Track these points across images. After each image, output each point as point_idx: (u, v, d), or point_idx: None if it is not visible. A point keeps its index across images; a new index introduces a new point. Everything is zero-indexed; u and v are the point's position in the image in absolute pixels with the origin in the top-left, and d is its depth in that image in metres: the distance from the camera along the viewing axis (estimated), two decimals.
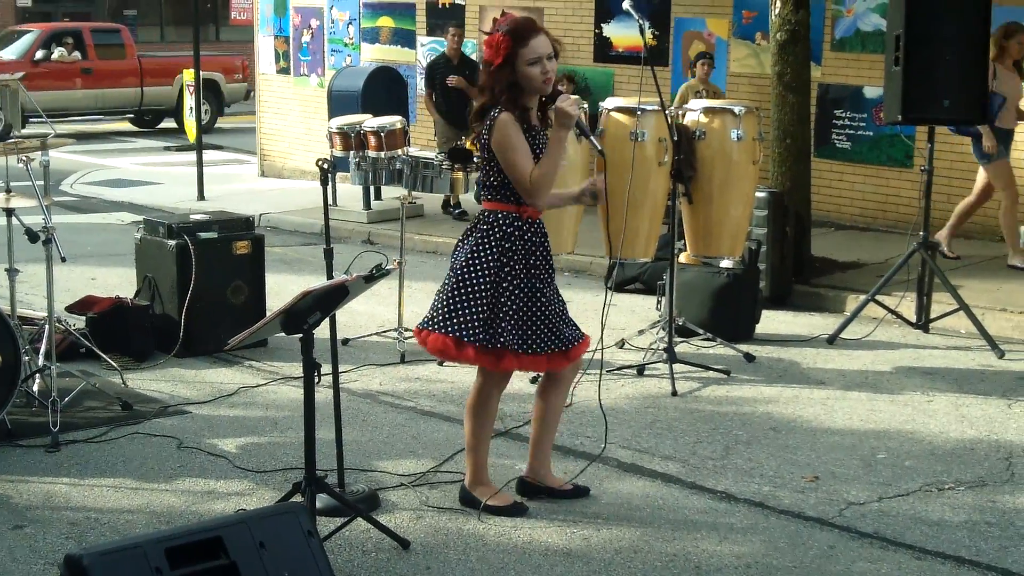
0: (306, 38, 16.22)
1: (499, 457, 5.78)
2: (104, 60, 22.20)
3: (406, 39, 15.21)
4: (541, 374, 6.87)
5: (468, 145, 7.95)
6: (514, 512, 5.23)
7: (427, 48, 14.94)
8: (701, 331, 7.93)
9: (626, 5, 7.02)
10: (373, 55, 15.43)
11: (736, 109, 7.76)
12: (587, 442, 6.16)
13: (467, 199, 11.91)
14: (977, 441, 6.25)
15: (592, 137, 5.00)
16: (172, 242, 7.73)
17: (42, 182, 6.61)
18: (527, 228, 5.07)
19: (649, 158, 7.49)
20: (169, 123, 23.12)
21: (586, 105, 7.76)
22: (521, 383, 6.80)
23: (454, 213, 12.68)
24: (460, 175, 7.91)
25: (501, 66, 4.92)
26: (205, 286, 7.68)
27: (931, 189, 8.36)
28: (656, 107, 7.43)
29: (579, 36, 13.29)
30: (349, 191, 12.91)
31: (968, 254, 10.41)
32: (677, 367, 7.22)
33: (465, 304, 5.03)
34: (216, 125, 22.94)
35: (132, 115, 23.20)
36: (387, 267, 4.84)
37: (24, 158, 6.58)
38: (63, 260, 6.45)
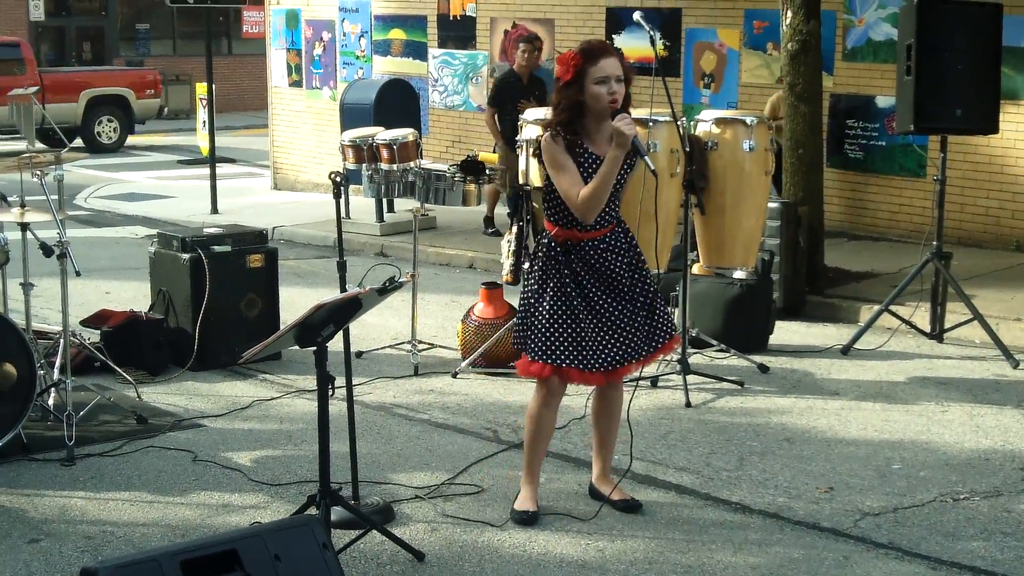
0: (318, 51, 16.27)
1: (514, 468, 5.79)
2: (3, 76, 20.36)
3: (418, 51, 15.25)
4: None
5: (481, 157, 7.96)
6: (517, 518, 5.27)
7: (439, 60, 14.96)
8: (714, 342, 7.93)
9: (637, 16, 7.03)
10: (385, 68, 15.46)
11: (748, 120, 7.76)
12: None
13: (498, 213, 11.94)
14: (992, 451, 6.24)
15: (647, 157, 5.01)
16: (186, 256, 7.75)
17: (56, 196, 6.64)
18: (567, 250, 5.12)
19: (661, 169, 7.47)
20: (78, 142, 22.27)
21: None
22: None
23: (488, 231, 12.37)
24: (473, 187, 7.91)
25: (569, 83, 5.02)
26: (219, 299, 7.70)
27: (944, 199, 8.35)
28: (668, 118, 7.43)
29: None
30: (362, 204, 12.93)
31: (981, 264, 10.39)
32: (691, 378, 7.21)
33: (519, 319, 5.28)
34: (127, 143, 22.36)
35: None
36: (400, 279, 4.86)
37: (38, 172, 6.61)
38: (78, 274, 6.47)
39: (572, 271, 5.12)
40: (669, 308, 5.43)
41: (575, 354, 5.09)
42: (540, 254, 5.20)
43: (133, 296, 9.37)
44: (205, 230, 8.30)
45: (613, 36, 13.28)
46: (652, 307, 5.24)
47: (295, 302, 8.63)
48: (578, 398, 6.95)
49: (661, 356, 5.46)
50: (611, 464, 5.55)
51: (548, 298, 5.12)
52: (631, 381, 7.29)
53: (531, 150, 6.99)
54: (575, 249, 5.13)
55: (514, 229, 7.42)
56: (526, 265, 5.42)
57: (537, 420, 5.30)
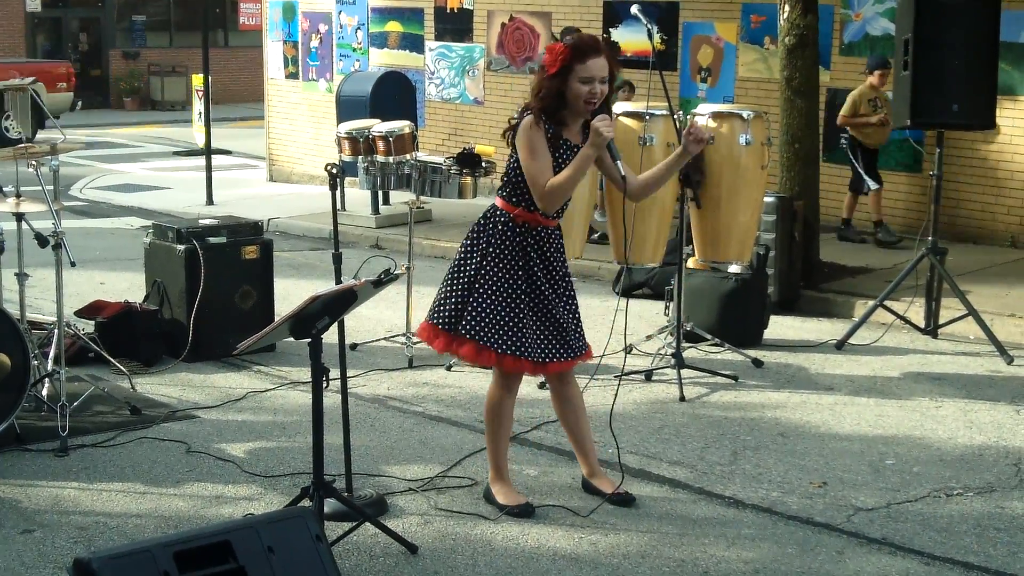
0: (315, 43, 16.25)
1: (509, 462, 5.78)
2: None
3: (414, 44, 15.23)
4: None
5: (477, 149, 7.95)
6: (520, 512, 5.25)
7: (435, 52, 14.94)
8: (709, 336, 7.93)
9: (634, 10, 7.02)
10: (381, 60, 15.45)
11: (744, 114, 7.76)
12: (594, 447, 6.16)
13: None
14: (986, 447, 6.24)
15: (619, 162, 5.03)
16: (181, 247, 7.74)
17: (52, 187, 6.63)
18: (522, 233, 5.14)
19: (657, 163, 7.47)
20: None
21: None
22: (528, 387, 6.79)
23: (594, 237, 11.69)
24: (469, 180, 7.90)
25: (554, 76, 5.02)
26: (214, 291, 7.69)
27: (940, 194, 8.35)
28: (664, 112, 7.43)
29: None
30: (358, 196, 12.92)
31: (977, 259, 10.39)
32: (685, 372, 7.21)
33: (445, 291, 5.28)
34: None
35: None
36: (395, 272, 4.85)
37: (34, 163, 6.60)
38: (72, 265, 6.47)
39: (525, 255, 5.13)
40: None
41: (513, 340, 5.10)
42: (489, 229, 5.17)
43: (128, 287, 9.35)
44: (200, 221, 8.29)
45: (610, 29, 13.28)
46: (578, 312, 5.33)
47: (290, 294, 8.63)
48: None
49: (580, 362, 5.42)
50: (596, 457, 5.54)
51: (491, 276, 5.12)
52: (624, 376, 7.32)
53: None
54: (532, 232, 5.15)
55: None
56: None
57: (499, 409, 5.31)
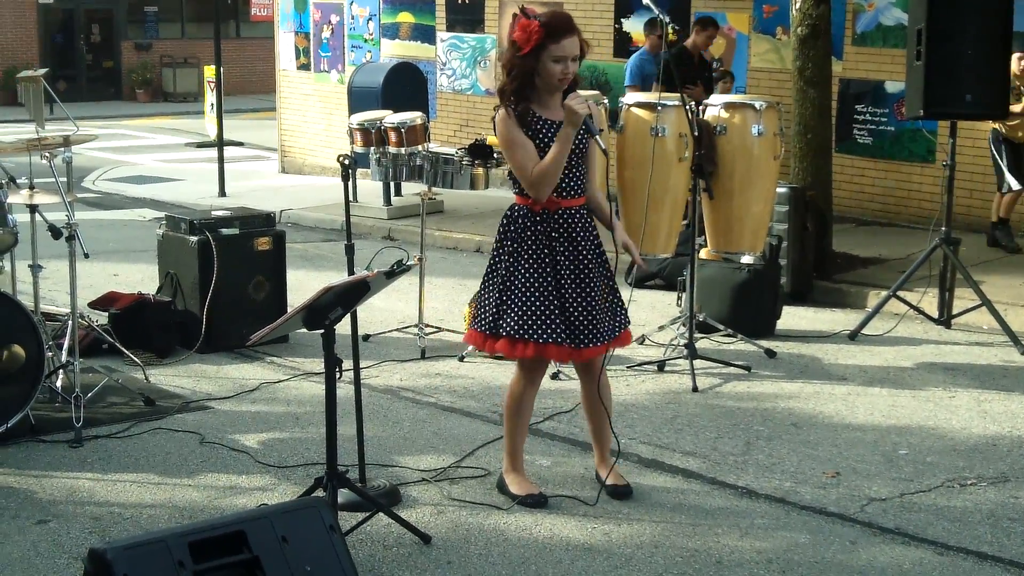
0: (326, 34, 16.25)
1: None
2: None
3: (426, 35, 15.23)
4: (559, 369, 6.95)
5: (489, 140, 7.95)
6: (533, 503, 5.26)
7: (447, 43, 14.93)
8: (722, 327, 7.93)
9: (646, 0, 7.01)
10: (393, 51, 15.45)
11: (757, 104, 7.74)
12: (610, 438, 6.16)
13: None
14: (999, 437, 6.23)
15: (597, 136, 5.01)
16: (194, 238, 7.75)
17: (65, 179, 6.64)
18: (544, 220, 5.11)
19: (669, 153, 7.49)
20: None
21: (606, 100, 7.77)
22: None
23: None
24: (481, 171, 7.89)
25: (527, 55, 4.97)
26: (227, 282, 7.71)
27: (953, 184, 8.33)
28: (676, 103, 7.42)
29: (599, 31, 13.27)
30: (370, 187, 12.93)
31: (990, 250, 10.37)
32: (698, 363, 7.21)
33: (483, 296, 5.24)
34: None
35: None
36: (408, 263, 4.85)
37: (47, 155, 6.62)
38: (86, 256, 6.49)
39: (550, 240, 5.09)
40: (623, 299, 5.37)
41: (551, 329, 5.07)
42: (512, 228, 5.16)
43: (141, 278, 9.38)
44: (213, 213, 8.30)
45: (622, 19, 13.25)
46: (615, 292, 5.27)
47: (303, 285, 8.64)
48: None
49: (616, 347, 5.39)
50: (609, 448, 5.52)
51: (523, 273, 5.10)
52: (636, 366, 7.33)
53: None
54: (554, 216, 5.11)
55: None
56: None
57: (520, 401, 5.29)
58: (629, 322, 5.35)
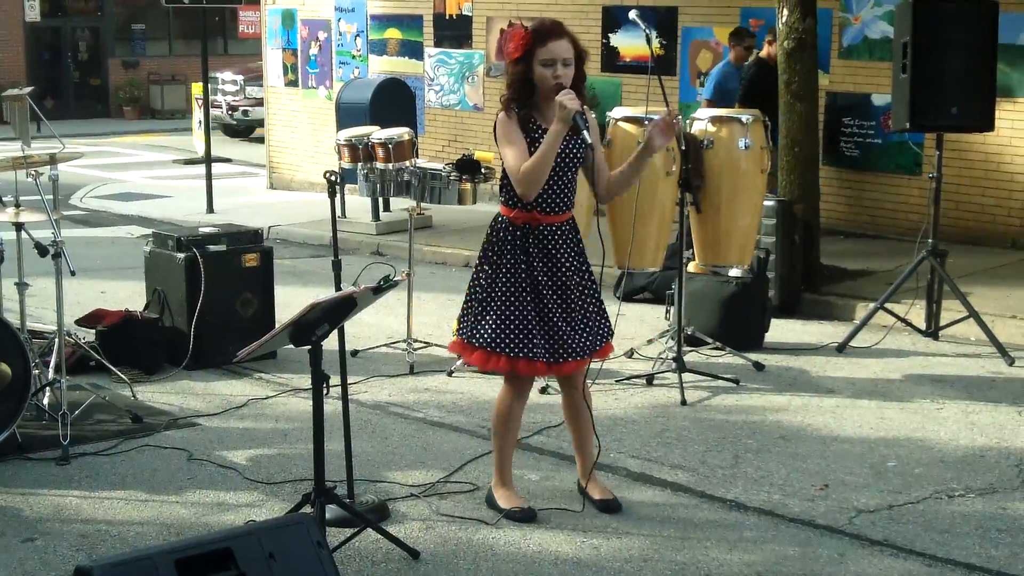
0: (314, 51, 16.27)
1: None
2: None
3: (414, 51, 15.25)
4: (548, 384, 6.95)
5: (477, 156, 7.96)
6: (521, 516, 5.26)
7: (435, 59, 14.95)
8: (710, 340, 7.93)
9: (633, 15, 7.03)
10: (381, 67, 15.47)
11: (743, 118, 7.76)
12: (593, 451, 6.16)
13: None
14: (987, 448, 6.24)
15: (585, 131, 5.03)
16: (181, 255, 7.74)
17: (51, 196, 6.63)
18: (524, 234, 5.13)
19: (657, 168, 7.50)
20: None
21: (594, 115, 7.77)
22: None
23: None
24: (468, 186, 7.91)
25: (517, 61, 5.06)
26: (214, 299, 7.70)
27: (939, 196, 8.35)
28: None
29: (586, 46, 13.20)
30: (358, 203, 12.93)
31: (977, 261, 10.39)
32: (686, 376, 7.21)
33: (467, 305, 5.28)
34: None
35: None
36: (395, 278, 4.86)
37: (33, 172, 6.61)
38: (72, 274, 6.46)
39: (527, 256, 5.12)
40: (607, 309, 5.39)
41: (524, 343, 5.10)
42: (495, 239, 5.20)
43: (128, 295, 9.35)
44: (200, 229, 8.29)
45: (609, 35, 13.29)
46: (599, 306, 5.30)
47: (290, 301, 8.59)
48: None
49: (598, 359, 5.46)
50: (592, 462, 5.51)
51: (501, 285, 5.13)
52: (625, 380, 7.33)
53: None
54: (533, 232, 5.13)
55: None
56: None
57: (508, 415, 5.30)
58: (612, 334, 5.36)
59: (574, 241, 5.23)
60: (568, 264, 5.17)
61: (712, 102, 11.10)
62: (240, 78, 22.80)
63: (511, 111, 5.10)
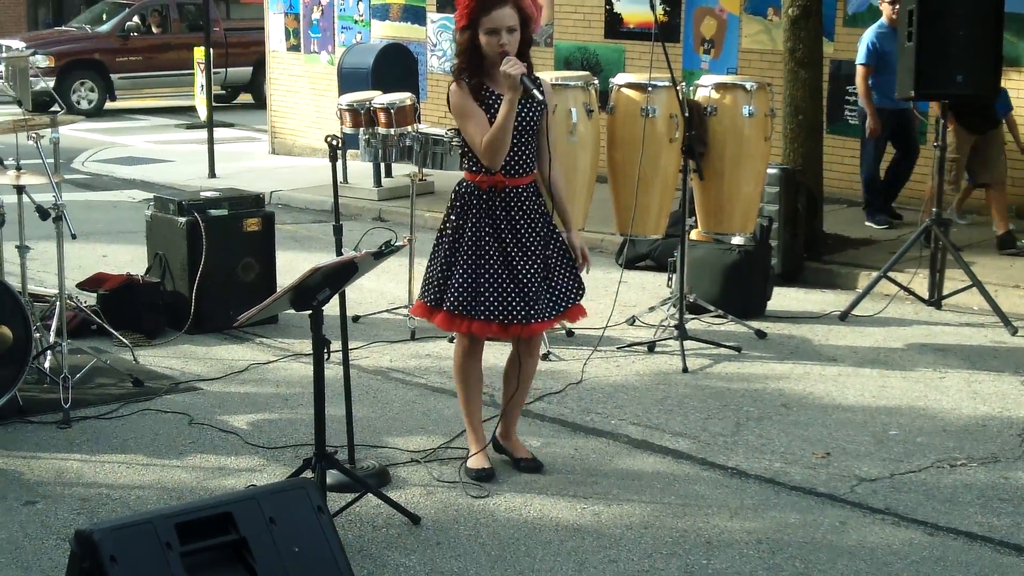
0: (316, 15, 16.18)
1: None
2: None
3: (416, 16, 15.16)
4: (549, 350, 6.94)
5: None
6: (477, 476, 5.32)
7: (437, 24, 14.88)
8: (712, 308, 7.91)
9: None
10: (383, 32, 15.38)
11: (748, 85, 7.72)
12: (597, 418, 6.17)
13: None
14: (990, 417, 6.23)
15: (534, 90, 5.00)
16: (183, 219, 7.72)
17: (52, 159, 6.61)
18: (489, 197, 5.17)
19: (660, 134, 7.47)
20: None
21: (596, 82, 7.74)
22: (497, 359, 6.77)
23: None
24: None
25: (463, 29, 5.11)
26: (215, 263, 7.68)
27: (944, 165, 8.32)
28: (667, 83, 7.40)
29: (590, 12, 13.22)
30: (360, 168, 12.88)
31: (980, 231, 10.36)
32: (688, 344, 7.20)
33: (429, 268, 5.35)
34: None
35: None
36: (396, 244, 4.84)
37: (34, 135, 6.58)
38: (73, 237, 6.46)
39: (493, 219, 5.15)
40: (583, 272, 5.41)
41: (486, 306, 5.13)
42: (459, 204, 5.24)
43: (130, 259, 9.34)
44: (202, 194, 8.28)
45: (613, 1, 13.21)
46: (572, 269, 5.33)
47: (292, 266, 8.59)
48: (575, 363, 6.96)
49: (565, 322, 5.59)
50: (516, 425, 5.55)
51: (464, 249, 5.17)
52: (626, 347, 7.32)
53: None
54: (500, 195, 5.16)
55: None
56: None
57: (463, 372, 5.37)
58: (582, 295, 5.36)
59: (538, 204, 5.27)
60: (532, 225, 5.21)
61: (867, 67, 10.37)
62: None
63: (461, 81, 5.13)
